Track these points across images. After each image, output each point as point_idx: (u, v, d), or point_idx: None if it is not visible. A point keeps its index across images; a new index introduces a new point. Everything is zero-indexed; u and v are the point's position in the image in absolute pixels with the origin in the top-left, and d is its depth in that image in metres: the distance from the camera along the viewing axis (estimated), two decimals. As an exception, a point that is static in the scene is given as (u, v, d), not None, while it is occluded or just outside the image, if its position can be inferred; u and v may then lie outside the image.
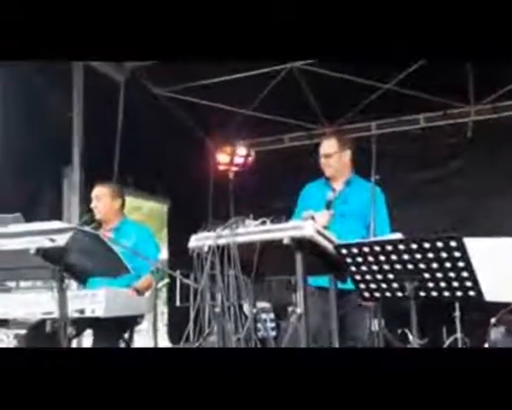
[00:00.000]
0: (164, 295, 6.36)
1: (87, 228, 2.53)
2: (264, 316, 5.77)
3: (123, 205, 3.31)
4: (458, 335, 3.81)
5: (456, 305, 3.81)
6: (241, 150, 6.90)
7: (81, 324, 2.65)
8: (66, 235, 2.21)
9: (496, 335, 3.43)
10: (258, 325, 2.66)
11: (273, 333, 5.29)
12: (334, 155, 3.14)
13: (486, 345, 3.53)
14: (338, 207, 3.01)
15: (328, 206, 2.98)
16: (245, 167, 6.89)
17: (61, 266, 2.28)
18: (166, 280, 5.94)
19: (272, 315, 5.83)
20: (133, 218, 7.71)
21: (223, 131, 6.78)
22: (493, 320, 3.63)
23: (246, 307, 5.60)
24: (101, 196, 3.20)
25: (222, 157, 6.94)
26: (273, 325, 5.66)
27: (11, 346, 2.98)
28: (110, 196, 3.21)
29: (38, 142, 4.36)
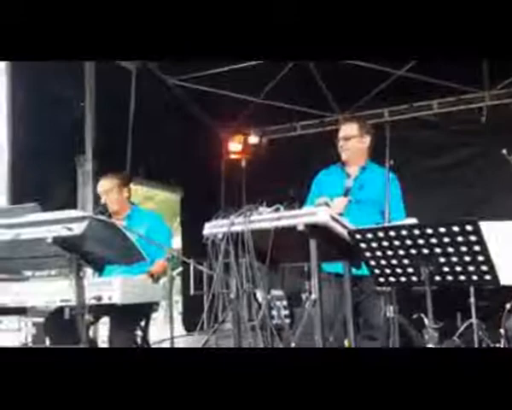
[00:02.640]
0: (178, 283, 6.41)
1: (103, 217, 2.56)
2: (277, 304, 5.80)
3: (130, 194, 3.33)
4: (473, 320, 3.79)
5: (471, 290, 3.78)
6: (253, 138, 6.89)
7: (98, 311, 2.69)
8: (83, 223, 2.23)
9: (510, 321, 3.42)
10: (273, 313, 2.66)
11: (287, 321, 5.30)
12: (353, 138, 3.12)
13: (502, 331, 3.52)
14: (354, 193, 3.01)
15: (346, 193, 2.98)
16: (257, 156, 6.88)
17: (77, 254, 2.31)
18: (180, 268, 6.00)
19: (285, 303, 5.85)
20: (146, 207, 7.75)
21: (234, 120, 6.78)
22: (509, 306, 3.62)
23: (259, 295, 5.62)
24: (109, 190, 3.21)
25: (233, 146, 6.93)
26: (287, 312, 5.67)
27: (30, 334, 3.04)
28: (117, 188, 3.23)
29: (52, 132, 4.39)
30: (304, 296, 5.26)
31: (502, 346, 3.50)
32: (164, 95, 6.06)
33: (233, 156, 6.94)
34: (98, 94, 4.89)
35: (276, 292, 5.83)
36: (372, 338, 2.87)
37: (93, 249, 2.39)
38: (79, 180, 4.71)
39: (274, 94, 6.28)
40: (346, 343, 2.96)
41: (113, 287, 2.46)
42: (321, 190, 3.15)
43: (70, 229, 2.23)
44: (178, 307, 6.56)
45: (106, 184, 3.23)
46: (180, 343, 5.44)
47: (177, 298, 6.53)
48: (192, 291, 6.19)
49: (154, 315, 3.22)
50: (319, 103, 6.59)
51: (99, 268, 2.61)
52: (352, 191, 2.99)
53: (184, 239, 6.42)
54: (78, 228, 2.23)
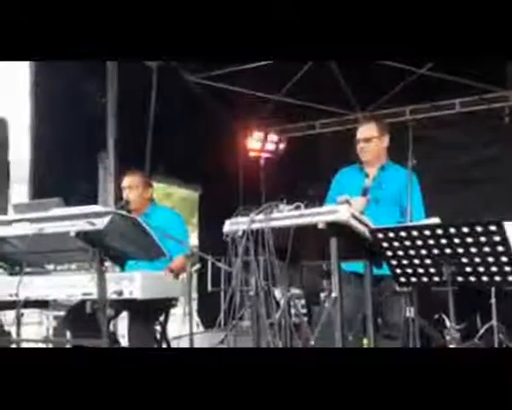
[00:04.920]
0: (195, 280, 6.44)
1: (125, 212, 2.58)
2: (295, 302, 5.80)
3: (151, 191, 3.36)
4: (494, 322, 3.74)
5: (492, 291, 3.74)
6: (273, 137, 6.88)
7: (118, 305, 2.71)
8: (106, 219, 2.26)
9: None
10: (292, 311, 2.66)
11: (305, 319, 5.29)
12: (373, 139, 3.09)
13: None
14: (373, 192, 2.99)
15: (365, 192, 2.96)
16: (276, 154, 6.87)
17: (100, 248, 2.34)
18: (198, 266, 6.03)
19: (303, 301, 5.84)
20: (165, 204, 7.79)
21: (254, 118, 6.78)
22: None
23: (277, 293, 5.61)
24: (134, 187, 3.22)
25: (253, 144, 6.93)
26: (304, 311, 5.67)
27: (51, 327, 3.08)
28: (142, 186, 3.24)
29: (74, 128, 4.45)
30: (322, 295, 5.24)
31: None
32: (184, 92, 6.09)
33: (252, 154, 6.94)
34: (120, 91, 4.93)
35: (295, 291, 5.84)
36: (392, 338, 2.85)
37: (115, 244, 2.41)
38: (101, 176, 4.76)
39: (294, 92, 6.27)
40: (365, 342, 2.95)
41: (134, 282, 2.47)
42: (340, 190, 3.14)
43: (93, 224, 2.26)
44: (195, 304, 6.59)
45: (132, 180, 3.25)
46: (197, 340, 5.48)
47: (194, 295, 6.56)
48: (209, 288, 6.22)
49: (173, 311, 3.24)
50: (339, 102, 6.56)
51: (120, 263, 2.63)
52: (370, 191, 2.98)
53: (201, 236, 6.45)
54: (100, 223, 2.26)
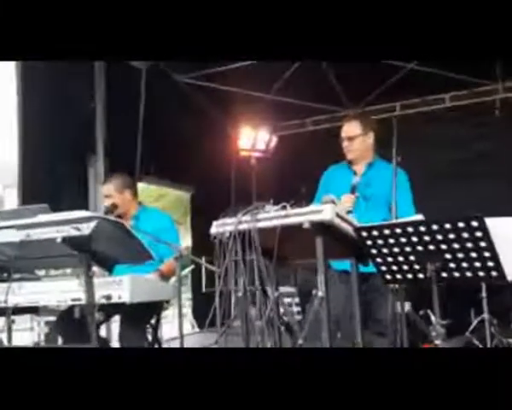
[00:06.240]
0: (189, 281, 6.46)
1: (111, 217, 2.58)
2: (289, 300, 5.81)
3: (135, 193, 3.35)
4: (485, 316, 3.77)
5: (483, 286, 3.76)
6: (263, 135, 6.88)
7: (109, 310, 2.72)
8: (91, 224, 2.26)
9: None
10: (282, 310, 2.67)
11: (299, 317, 5.31)
12: (357, 137, 3.09)
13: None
14: (361, 190, 3.00)
15: (353, 190, 2.97)
16: (267, 153, 6.87)
17: (87, 253, 2.34)
18: (191, 266, 6.04)
19: (297, 300, 5.85)
20: (158, 205, 7.77)
21: (244, 117, 6.78)
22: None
23: (270, 292, 5.59)
24: (109, 194, 3.24)
25: (243, 143, 6.93)
26: (299, 309, 5.68)
27: (42, 333, 3.08)
28: (117, 191, 3.24)
29: (62, 132, 4.44)
30: (313, 293, 5.25)
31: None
32: (174, 93, 6.08)
33: (243, 153, 6.93)
34: (108, 93, 4.92)
35: (289, 289, 5.85)
36: (381, 334, 2.86)
37: (102, 249, 2.41)
38: (91, 180, 4.76)
39: (284, 90, 6.27)
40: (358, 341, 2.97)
41: (122, 286, 2.48)
42: (328, 188, 3.15)
43: (79, 229, 2.26)
44: (190, 305, 6.61)
45: (106, 189, 3.26)
46: (190, 340, 5.50)
47: (189, 295, 6.58)
48: (204, 289, 6.23)
49: (167, 313, 3.24)
50: (330, 99, 6.56)
51: (108, 267, 2.64)
52: (358, 188, 2.98)
53: (195, 237, 6.45)
54: (86, 228, 2.26)
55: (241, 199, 6.61)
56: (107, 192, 3.27)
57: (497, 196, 5.37)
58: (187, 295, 6.64)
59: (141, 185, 6.17)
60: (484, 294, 3.77)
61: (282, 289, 6.04)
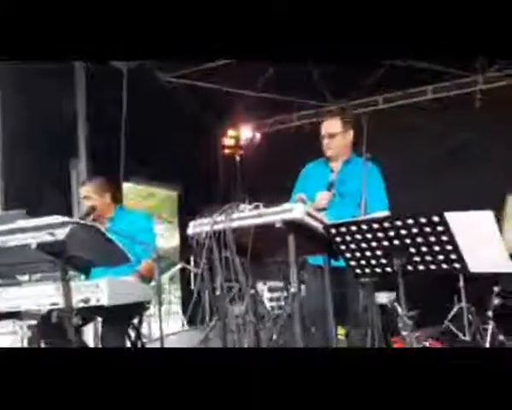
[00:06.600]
0: (178, 279, 6.50)
1: (85, 221, 2.61)
2: (277, 294, 5.90)
3: (113, 197, 3.37)
4: (463, 304, 3.84)
5: (460, 276, 3.83)
6: (246, 133, 6.90)
7: (89, 313, 2.76)
8: (66, 229, 2.29)
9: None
10: (259, 306, 2.72)
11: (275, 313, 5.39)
12: (338, 134, 3.12)
13: (490, 313, 3.55)
14: (337, 187, 3.04)
15: (330, 187, 3.00)
16: (251, 150, 6.90)
17: (62, 258, 2.37)
18: (180, 265, 6.08)
19: (286, 294, 5.91)
20: (148, 203, 7.78)
21: (229, 115, 6.80)
22: (496, 289, 3.65)
23: (259, 289, 5.65)
24: (89, 196, 3.25)
25: (227, 141, 6.95)
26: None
27: (26, 337, 3.11)
28: (97, 194, 3.26)
29: (43, 134, 4.44)
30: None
31: (490, 329, 3.55)
32: (159, 92, 6.09)
33: (227, 151, 6.96)
34: (90, 95, 4.92)
35: (278, 283, 5.91)
36: (357, 327, 2.91)
37: (77, 254, 2.44)
38: (73, 183, 4.77)
39: (268, 86, 6.29)
40: (340, 332, 3.02)
41: (100, 289, 2.51)
42: (306, 185, 3.19)
43: (53, 234, 2.29)
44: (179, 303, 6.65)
45: (86, 190, 3.28)
46: (182, 338, 5.54)
47: (178, 294, 6.62)
48: (192, 286, 6.26)
49: (155, 311, 3.24)
50: (314, 94, 6.59)
51: (86, 271, 2.67)
52: (335, 185, 3.02)
53: (183, 236, 6.48)
54: (61, 233, 2.29)
55: (229, 198, 6.66)
56: (85, 194, 3.28)
57: (478, 186, 5.44)
58: (177, 293, 6.69)
59: (129, 185, 6.21)
60: (462, 283, 3.84)
61: (271, 284, 6.13)
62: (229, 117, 6.84)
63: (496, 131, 5.78)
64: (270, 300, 5.96)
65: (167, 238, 9.12)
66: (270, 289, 5.96)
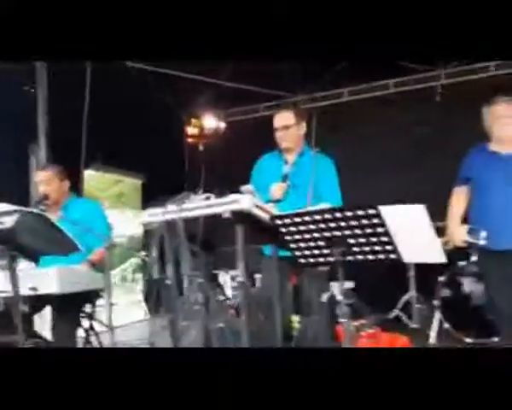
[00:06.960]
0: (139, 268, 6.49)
1: (33, 209, 2.60)
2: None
3: (71, 186, 3.36)
4: (413, 293, 3.97)
5: (411, 265, 3.96)
6: (210, 122, 6.89)
7: (38, 301, 2.75)
8: (13, 217, 2.29)
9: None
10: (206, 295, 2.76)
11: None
12: (291, 127, 3.18)
13: (436, 302, 3.68)
14: (292, 179, 3.10)
15: (284, 179, 3.06)
16: (215, 139, 6.91)
17: (10, 246, 2.36)
18: (142, 253, 6.07)
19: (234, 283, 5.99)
20: (116, 190, 7.72)
21: (195, 103, 6.78)
22: (442, 279, 3.79)
23: (220, 277, 5.70)
24: (50, 181, 3.22)
25: (191, 130, 6.94)
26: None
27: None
28: (59, 179, 3.25)
29: (3, 120, 4.36)
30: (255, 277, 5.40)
31: (438, 317, 3.68)
32: (122, 79, 6.01)
33: (191, 140, 6.95)
34: (51, 80, 4.84)
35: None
36: (311, 315, 2.99)
37: (26, 242, 2.44)
38: (33, 169, 4.70)
39: (235, 75, 6.30)
40: (295, 319, 3.09)
41: (49, 277, 2.52)
42: (260, 177, 3.24)
43: (1, 223, 2.29)
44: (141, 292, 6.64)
45: (46, 175, 3.25)
46: (143, 327, 5.56)
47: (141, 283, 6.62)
48: (155, 275, 6.26)
49: (117, 300, 3.25)
50: (280, 85, 6.63)
51: (35, 259, 2.66)
52: (289, 177, 3.08)
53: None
54: (8, 222, 2.28)
55: (194, 186, 6.62)
56: (42, 178, 3.25)
57: (437, 179, 5.57)
58: (139, 282, 6.68)
59: (93, 172, 6.14)
60: (412, 273, 3.97)
61: (233, 272, 6.19)
62: (194, 105, 6.82)
63: (454, 125, 5.93)
64: (234, 288, 6.02)
65: (134, 226, 9.07)
66: (233, 278, 6.01)
